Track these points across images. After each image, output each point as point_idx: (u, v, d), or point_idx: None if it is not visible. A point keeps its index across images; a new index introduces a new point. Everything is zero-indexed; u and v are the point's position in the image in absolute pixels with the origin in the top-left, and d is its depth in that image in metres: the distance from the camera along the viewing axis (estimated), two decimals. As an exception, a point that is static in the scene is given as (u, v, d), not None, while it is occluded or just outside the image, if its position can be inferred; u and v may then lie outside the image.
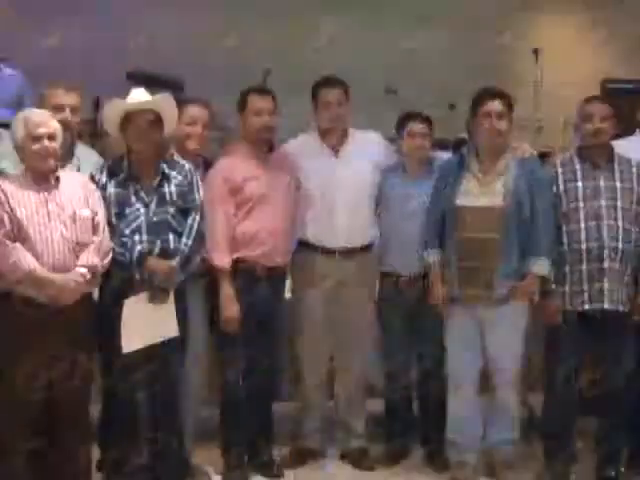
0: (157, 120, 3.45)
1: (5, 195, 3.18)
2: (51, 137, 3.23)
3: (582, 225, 3.62)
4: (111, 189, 3.42)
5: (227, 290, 3.57)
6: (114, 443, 3.46)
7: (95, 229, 3.29)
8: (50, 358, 3.16)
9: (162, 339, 3.35)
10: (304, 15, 7.35)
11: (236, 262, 3.61)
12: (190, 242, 3.43)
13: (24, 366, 3.15)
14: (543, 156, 4.27)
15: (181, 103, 3.68)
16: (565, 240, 3.64)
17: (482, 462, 3.77)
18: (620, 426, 3.68)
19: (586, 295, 3.61)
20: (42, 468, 3.27)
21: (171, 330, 3.38)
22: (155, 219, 3.40)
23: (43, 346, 3.15)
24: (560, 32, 8.02)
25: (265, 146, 3.73)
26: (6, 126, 3.48)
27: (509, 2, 7.65)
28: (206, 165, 3.75)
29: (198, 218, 3.48)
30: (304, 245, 3.84)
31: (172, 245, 3.40)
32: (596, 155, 3.69)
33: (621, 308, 3.61)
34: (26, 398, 3.17)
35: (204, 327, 3.66)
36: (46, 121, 3.25)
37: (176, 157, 3.56)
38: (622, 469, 3.70)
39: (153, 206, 3.42)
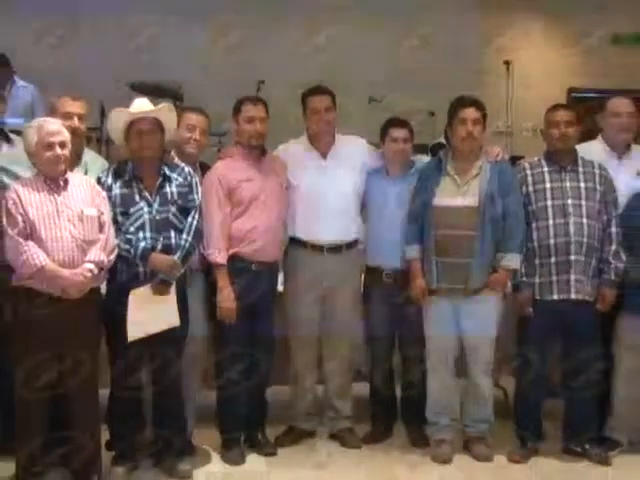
0: (158, 127, 3.45)
1: (19, 197, 3.18)
2: (62, 145, 3.24)
3: (550, 222, 3.63)
4: (116, 190, 3.41)
5: (224, 283, 3.56)
6: (121, 425, 3.46)
7: (101, 227, 3.29)
8: (60, 344, 3.17)
9: (164, 328, 3.34)
10: (297, 31, 7.38)
11: (232, 257, 3.59)
12: (190, 239, 3.43)
13: (37, 351, 3.16)
14: (514, 159, 4.27)
15: (180, 111, 3.69)
16: (535, 236, 3.65)
17: (459, 440, 3.78)
18: (585, 406, 3.69)
19: (554, 286, 3.63)
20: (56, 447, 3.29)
21: (173, 320, 3.37)
22: (157, 217, 3.40)
23: (54, 334, 3.16)
24: (529, 46, 8.06)
25: (258, 150, 3.72)
26: (20, 133, 3.47)
27: (485, 21, 7.71)
28: (204, 168, 3.74)
29: (197, 217, 3.47)
30: (295, 241, 3.82)
31: (173, 241, 3.40)
32: (562, 158, 3.71)
33: (586, 298, 3.63)
34: (38, 380, 3.17)
35: (203, 318, 3.65)
36: (58, 130, 3.25)
37: (176, 160, 3.56)
38: (586, 445, 3.71)
39: (156, 205, 3.41)
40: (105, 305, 3.37)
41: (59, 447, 3.30)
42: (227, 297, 3.55)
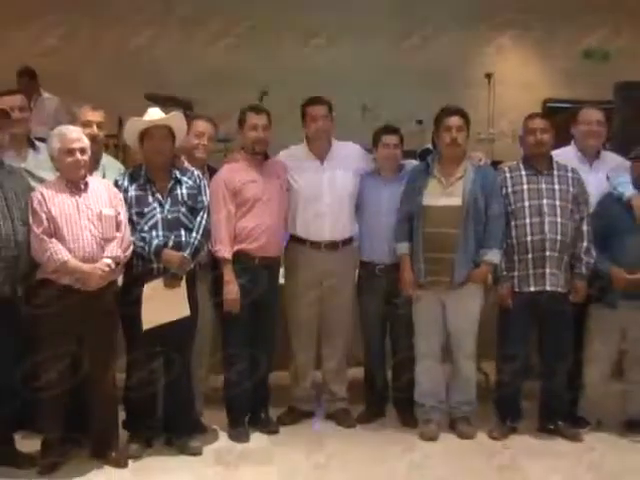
0: (170, 134, 3.45)
1: (44, 199, 3.19)
2: (83, 151, 3.25)
3: (527, 221, 3.63)
4: (132, 192, 3.42)
5: (229, 277, 3.55)
6: (136, 406, 3.46)
7: (118, 226, 3.30)
8: (80, 332, 3.18)
9: (175, 318, 3.35)
10: (297, 49, 7.43)
11: (237, 253, 3.59)
12: (199, 236, 3.42)
13: (59, 339, 3.18)
14: (495, 163, 4.27)
15: (190, 119, 3.68)
16: (513, 234, 3.65)
17: (445, 420, 3.79)
18: (560, 388, 3.70)
19: (531, 279, 3.63)
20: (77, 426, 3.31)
21: (183, 310, 3.37)
22: (169, 217, 3.40)
23: (75, 323, 3.17)
24: (508, 61, 8.09)
25: (261, 155, 3.72)
26: (44, 140, 3.48)
27: (469, 39, 7.74)
28: (211, 171, 3.74)
29: (205, 216, 3.47)
30: (295, 239, 3.82)
31: (184, 239, 3.39)
32: (538, 163, 3.71)
33: (560, 289, 3.64)
34: (60, 364, 3.20)
35: (211, 309, 3.65)
36: (79, 137, 3.26)
37: (186, 164, 3.55)
38: (560, 424, 3.73)
39: (167, 206, 3.41)
40: (121, 297, 3.37)
41: (80, 426, 3.32)
42: (232, 290, 3.55)
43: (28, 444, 3.38)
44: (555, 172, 3.69)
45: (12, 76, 5.59)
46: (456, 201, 3.61)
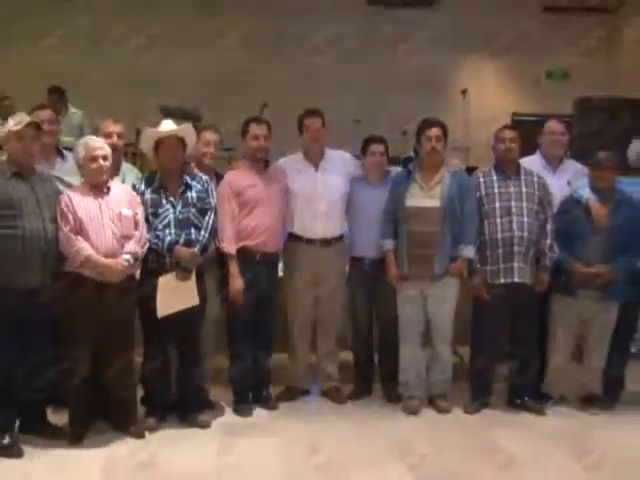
0: (181, 143, 3.44)
1: (71, 201, 3.19)
2: (105, 158, 3.24)
3: (498, 220, 3.64)
4: (147, 195, 3.41)
5: (234, 270, 3.54)
6: (152, 385, 3.47)
7: (136, 225, 3.29)
8: (102, 319, 3.18)
9: (186, 307, 3.34)
10: (296, 67, 7.45)
11: (241, 249, 3.58)
12: (207, 234, 3.42)
13: (84, 325, 3.18)
14: (470, 170, 4.28)
15: (199, 130, 3.66)
16: (486, 231, 3.66)
17: (425, 396, 3.80)
18: (526, 366, 3.71)
19: (501, 272, 3.64)
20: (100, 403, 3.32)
21: (193, 300, 3.37)
22: (180, 217, 3.39)
23: (97, 311, 3.17)
24: (481, 79, 8.14)
25: (262, 162, 3.70)
26: (71, 149, 3.49)
27: (446, 60, 7.81)
28: (218, 176, 3.72)
29: (213, 216, 3.47)
30: (292, 236, 3.80)
31: (193, 237, 3.39)
32: (508, 169, 3.71)
33: (527, 281, 3.65)
34: (85, 348, 3.21)
35: (217, 298, 3.64)
36: (101, 146, 3.26)
37: (195, 170, 3.54)
38: (526, 398, 3.75)
39: (179, 208, 3.40)
40: (139, 287, 3.36)
41: (104, 402, 3.32)
42: (237, 282, 3.54)
43: (58, 418, 3.38)
44: (522, 177, 3.70)
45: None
46: (435, 203, 3.61)
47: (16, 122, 3.15)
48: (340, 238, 3.83)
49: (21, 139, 3.14)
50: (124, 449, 3.23)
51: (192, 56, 7.38)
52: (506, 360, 3.79)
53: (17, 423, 3.22)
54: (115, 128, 3.58)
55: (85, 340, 3.19)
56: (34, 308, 3.09)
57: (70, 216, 3.16)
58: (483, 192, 3.70)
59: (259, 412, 3.69)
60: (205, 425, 3.48)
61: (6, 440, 3.12)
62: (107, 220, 3.22)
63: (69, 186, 3.37)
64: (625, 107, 6.07)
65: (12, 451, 3.10)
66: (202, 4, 7.59)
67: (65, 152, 3.61)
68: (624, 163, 3.81)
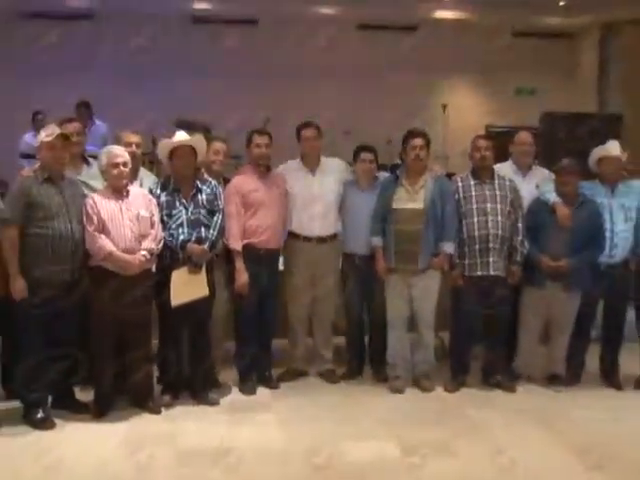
0: (193, 152, 3.43)
1: (95, 203, 3.20)
2: (125, 164, 3.24)
3: (475, 220, 3.64)
4: (163, 198, 3.41)
5: (239, 265, 3.54)
6: (167, 366, 3.47)
7: (152, 225, 3.29)
8: (122, 308, 3.18)
9: (197, 297, 3.34)
10: (296, 83, 7.43)
11: (246, 246, 3.58)
12: (215, 233, 3.42)
13: (107, 313, 3.18)
14: (449, 175, 4.28)
15: (209, 140, 3.66)
16: (464, 230, 3.66)
17: (409, 376, 3.79)
18: (499, 349, 3.73)
19: (478, 266, 3.63)
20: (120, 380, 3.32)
21: (203, 291, 3.37)
22: (192, 218, 3.39)
23: (119, 301, 3.17)
24: (459, 94, 8.18)
25: (264, 168, 3.70)
26: (95, 157, 3.48)
27: (428, 77, 7.85)
28: (226, 181, 3.71)
29: (221, 217, 3.46)
30: (292, 234, 3.80)
31: (203, 235, 3.39)
32: (483, 174, 3.71)
33: (501, 274, 3.65)
34: (108, 332, 3.22)
35: (225, 290, 3.64)
36: (122, 154, 3.26)
37: (206, 176, 3.53)
38: (499, 377, 3.75)
39: (191, 209, 3.40)
40: (154, 280, 3.36)
41: (124, 380, 3.32)
42: (242, 276, 3.54)
43: (84, 395, 3.40)
44: (496, 181, 3.70)
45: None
46: (419, 205, 3.61)
47: (48, 133, 3.16)
48: (334, 236, 3.82)
49: (52, 149, 3.14)
50: (142, 423, 3.24)
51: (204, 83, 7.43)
52: (481, 342, 3.78)
53: (49, 399, 3.24)
54: (134, 138, 3.57)
55: (109, 326, 3.20)
56: (63, 298, 3.09)
57: (94, 217, 3.17)
58: (461, 195, 3.70)
59: (262, 391, 3.68)
60: (214, 402, 3.48)
61: (40, 414, 3.16)
62: (127, 220, 3.22)
63: (93, 190, 3.36)
64: (584, 120, 6.16)
65: (45, 424, 3.14)
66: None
67: (90, 159, 3.61)
68: (586, 169, 3.82)
